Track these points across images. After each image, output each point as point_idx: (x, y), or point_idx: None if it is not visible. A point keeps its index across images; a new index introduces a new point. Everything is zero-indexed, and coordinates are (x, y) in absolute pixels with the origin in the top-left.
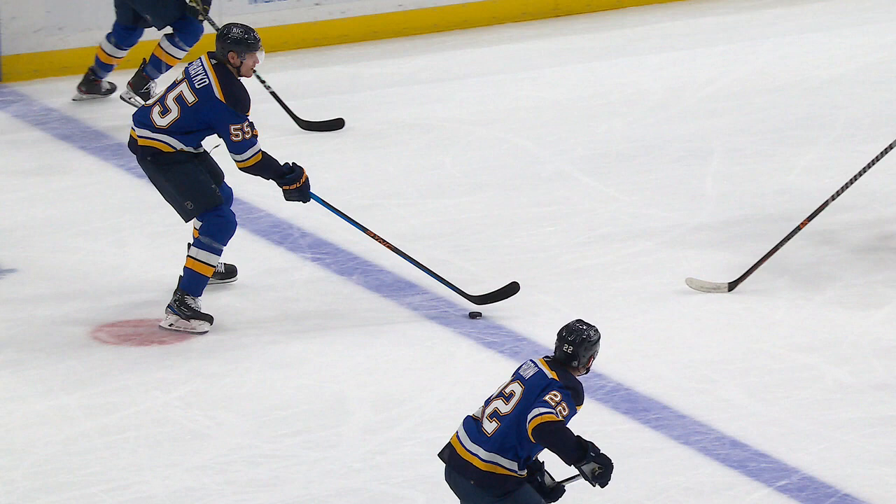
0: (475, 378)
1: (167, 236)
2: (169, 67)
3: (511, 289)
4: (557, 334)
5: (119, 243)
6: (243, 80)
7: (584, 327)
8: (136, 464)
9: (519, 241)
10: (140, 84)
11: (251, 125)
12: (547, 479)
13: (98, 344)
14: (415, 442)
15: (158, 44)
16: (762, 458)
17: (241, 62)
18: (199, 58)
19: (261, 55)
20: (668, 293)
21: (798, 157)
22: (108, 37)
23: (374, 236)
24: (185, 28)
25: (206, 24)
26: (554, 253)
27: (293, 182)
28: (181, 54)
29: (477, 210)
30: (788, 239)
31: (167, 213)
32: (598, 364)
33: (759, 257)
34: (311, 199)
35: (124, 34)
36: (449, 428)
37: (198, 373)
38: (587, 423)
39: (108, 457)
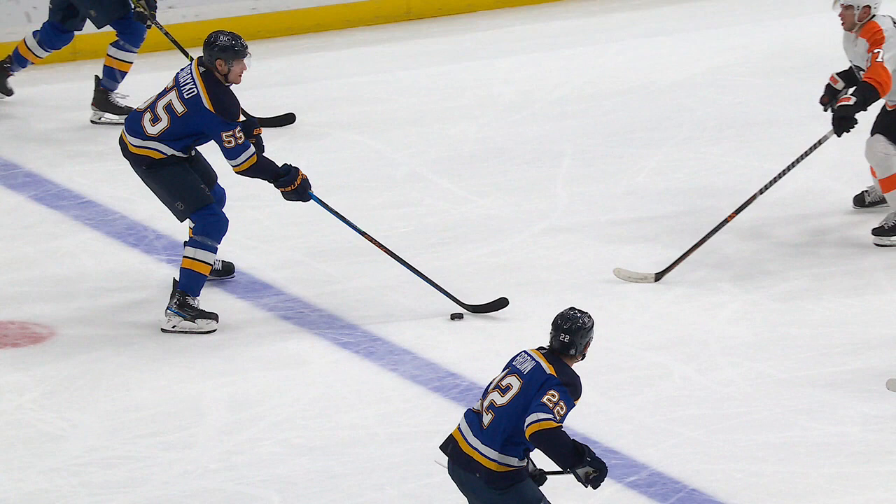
0: (331, 378)
1: (12, 241)
2: (124, 74)
3: (500, 303)
4: (552, 323)
5: None
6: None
7: (578, 314)
8: None
9: None
10: (102, 100)
11: (244, 130)
12: (530, 466)
13: None
14: (271, 442)
15: (107, 54)
16: (612, 454)
17: (229, 69)
18: (189, 64)
19: (248, 62)
20: (522, 293)
21: (646, 158)
22: (35, 33)
23: (370, 239)
24: (128, 29)
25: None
26: (408, 254)
27: (288, 184)
28: (132, 57)
29: None
30: (715, 232)
31: (14, 218)
32: (451, 362)
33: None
34: (311, 200)
35: (52, 34)
36: (304, 428)
37: (52, 375)
38: (443, 421)
39: None
